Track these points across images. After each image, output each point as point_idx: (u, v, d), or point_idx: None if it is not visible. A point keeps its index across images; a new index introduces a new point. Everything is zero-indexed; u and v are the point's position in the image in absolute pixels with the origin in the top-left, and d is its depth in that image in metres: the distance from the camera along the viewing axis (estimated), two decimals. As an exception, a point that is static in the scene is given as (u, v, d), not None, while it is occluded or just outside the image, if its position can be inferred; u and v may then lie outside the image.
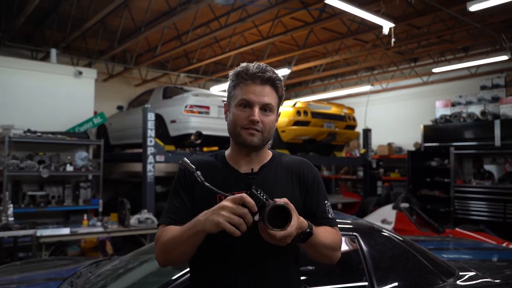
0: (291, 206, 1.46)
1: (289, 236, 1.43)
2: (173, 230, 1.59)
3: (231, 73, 1.71)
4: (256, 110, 1.62)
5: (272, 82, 1.65)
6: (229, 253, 1.61)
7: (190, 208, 1.67)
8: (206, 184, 1.53)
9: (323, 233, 1.64)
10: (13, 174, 7.12)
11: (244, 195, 1.42)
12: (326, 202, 1.78)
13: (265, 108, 1.64)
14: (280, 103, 1.73)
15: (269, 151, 1.81)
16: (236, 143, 1.70)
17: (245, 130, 1.63)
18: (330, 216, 1.76)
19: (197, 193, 1.68)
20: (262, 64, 1.68)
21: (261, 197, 1.44)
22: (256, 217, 1.47)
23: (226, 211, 1.40)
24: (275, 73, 1.67)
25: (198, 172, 1.55)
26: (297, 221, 1.46)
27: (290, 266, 1.71)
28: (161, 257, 1.64)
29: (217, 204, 1.47)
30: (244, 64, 1.69)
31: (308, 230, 1.54)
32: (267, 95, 1.64)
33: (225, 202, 1.42)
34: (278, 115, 1.75)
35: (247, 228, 1.42)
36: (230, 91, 1.71)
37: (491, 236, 6.87)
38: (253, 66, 1.66)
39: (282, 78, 1.71)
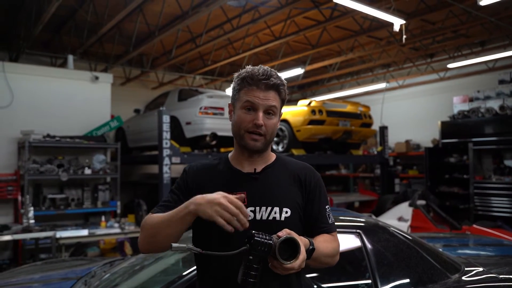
0: (294, 233, 1.48)
1: (303, 261, 1.45)
2: (161, 214, 1.61)
3: (236, 75, 1.75)
4: (261, 114, 1.66)
5: (277, 87, 1.69)
6: (230, 275, 1.60)
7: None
8: (204, 252, 1.50)
9: (323, 243, 1.68)
10: (34, 178, 7.33)
11: (242, 205, 1.46)
12: (327, 207, 1.81)
13: (269, 111, 1.68)
14: (282, 105, 1.77)
15: (272, 153, 1.85)
16: (239, 145, 1.76)
17: (248, 135, 1.68)
18: (330, 221, 1.80)
19: None
20: (267, 68, 1.71)
21: (266, 239, 1.42)
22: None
23: (220, 208, 1.43)
24: (279, 78, 1.71)
25: (190, 245, 1.51)
26: (303, 244, 1.48)
27: (292, 277, 1.71)
28: (145, 242, 1.65)
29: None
30: (249, 68, 1.72)
31: (311, 247, 1.57)
32: (272, 100, 1.68)
33: (222, 200, 1.45)
34: (279, 116, 1.79)
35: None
36: (235, 93, 1.75)
37: (509, 233, 6.78)
38: (258, 70, 1.69)
39: (286, 82, 1.74)
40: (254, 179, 1.73)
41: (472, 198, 9.99)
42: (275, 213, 1.67)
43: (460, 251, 3.87)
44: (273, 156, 1.83)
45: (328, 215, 1.80)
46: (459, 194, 10.47)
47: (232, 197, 1.47)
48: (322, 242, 1.68)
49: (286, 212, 1.68)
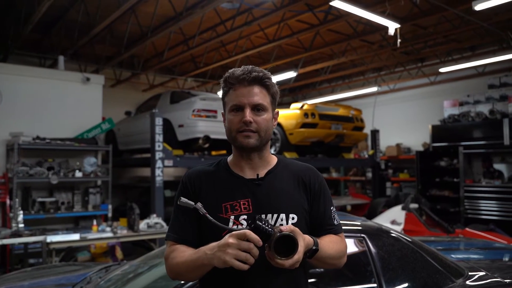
0: (297, 231, 1.45)
1: (297, 262, 1.42)
2: (181, 255, 1.60)
3: (221, 80, 1.71)
4: (247, 111, 1.61)
5: (260, 81, 1.64)
6: (238, 272, 1.55)
7: (195, 222, 1.67)
8: (210, 218, 1.50)
9: (328, 244, 1.65)
10: (23, 180, 7.21)
11: (247, 231, 1.40)
12: (332, 208, 1.78)
13: (257, 108, 1.63)
14: (274, 101, 1.71)
15: (273, 156, 1.79)
16: (236, 147, 1.70)
17: (240, 134, 1.63)
18: (335, 222, 1.77)
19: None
20: (249, 66, 1.67)
21: (266, 228, 1.41)
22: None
23: (232, 249, 1.39)
24: (262, 71, 1.66)
25: (199, 205, 1.53)
26: (303, 245, 1.46)
27: (300, 277, 1.70)
28: (172, 276, 1.67)
29: (223, 219, 1.53)
30: (231, 70, 1.69)
31: (314, 247, 1.55)
32: (256, 94, 1.63)
33: (230, 239, 1.40)
34: (276, 114, 1.75)
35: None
36: (223, 98, 1.72)
37: (501, 236, 6.83)
38: (238, 69, 1.66)
39: (271, 76, 1.69)
40: (257, 185, 1.67)
41: (462, 201, 10.05)
42: (282, 220, 1.63)
43: (458, 255, 3.84)
44: (274, 159, 1.77)
45: (334, 216, 1.77)
46: (450, 197, 10.53)
47: (237, 233, 1.42)
48: (327, 242, 1.65)
49: (293, 219, 1.64)
